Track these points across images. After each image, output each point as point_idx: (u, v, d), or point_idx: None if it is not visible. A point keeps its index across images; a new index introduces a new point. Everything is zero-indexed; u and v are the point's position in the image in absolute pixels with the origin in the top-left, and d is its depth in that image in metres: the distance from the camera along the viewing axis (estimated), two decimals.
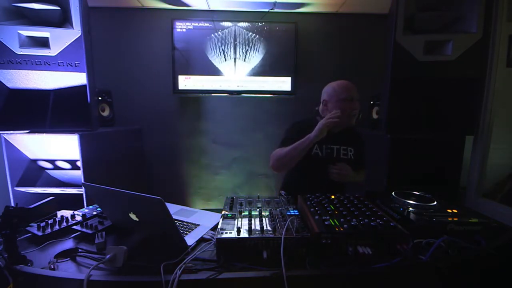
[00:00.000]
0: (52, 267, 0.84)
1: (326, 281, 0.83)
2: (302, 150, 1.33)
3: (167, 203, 0.85)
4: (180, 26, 2.50)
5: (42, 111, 1.55)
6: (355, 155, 1.49)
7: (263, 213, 1.07)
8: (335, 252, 0.88)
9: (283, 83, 2.63)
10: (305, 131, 1.37)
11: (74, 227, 1.11)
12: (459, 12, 1.53)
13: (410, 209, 1.17)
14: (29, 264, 0.86)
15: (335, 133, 1.45)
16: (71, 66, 1.55)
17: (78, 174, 1.62)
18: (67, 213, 1.23)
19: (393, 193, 1.30)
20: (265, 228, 0.93)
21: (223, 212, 1.09)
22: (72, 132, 1.56)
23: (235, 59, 2.57)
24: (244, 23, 2.54)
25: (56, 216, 1.18)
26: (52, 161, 1.75)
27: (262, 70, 2.60)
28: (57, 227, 1.09)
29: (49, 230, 1.06)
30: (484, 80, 1.56)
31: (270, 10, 2.57)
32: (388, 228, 0.93)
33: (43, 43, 1.52)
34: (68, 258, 0.90)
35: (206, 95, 2.67)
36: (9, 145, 1.63)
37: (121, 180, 1.96)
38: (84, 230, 1.08)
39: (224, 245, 0.87)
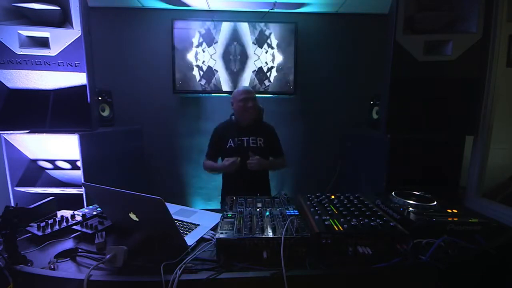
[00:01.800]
0: (52, 267, 0.84)
1: (326, 281, 0.83)
2: (219, 171, 1.84)
3: (167, 203, 0.85)
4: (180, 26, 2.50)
5: (42, 111, 1.55)
6: (265, 143, 1.79)
7: (263, 213, 1.07)
8: (335, 252, 0.88)
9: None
10: (225, 132, 1.79)
11: (74, 227, 1.11)
12: (459, 12, 1.53)
13: (410, 209, 1.17)
14: (29, 264, 0.86)
15: (243, 127, 1.77)
16: (71, 66, 1.55)
17: (78, 174, 1.62)
18: (67, 213, 1.23)
19: (393, 193, 1.30)
20: (265, 228, 0.93)
21: (223, 212, 1.09)
22: (72, 132, 1.55)
23: (235, 59, 2.58)
24: (244, 23, 2.54)
25: (56, 216, 1.18)
26: (52, 161, 1.75)
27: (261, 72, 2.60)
28: (57, 227, 1.09)
29: (49, 230, 1.06)
30: (484, 80, 1.56)
31: (270, 10, 2.57)
32: (388, 228, 0.93)
33: (43, 43, 1.52)
34: (68, 258, 0.90)
35: (206, 95, 2.67)
36: (9, 145, 1.63)
37: (121, 180, 1.96)
38: (84, 230, 1.08)
39: (224, 245, 0.87)
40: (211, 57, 2.57)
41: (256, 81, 2.61)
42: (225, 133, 1.79)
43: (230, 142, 1.75)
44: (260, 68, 2.60)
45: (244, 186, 1.68)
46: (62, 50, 1.53)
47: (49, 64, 1.53)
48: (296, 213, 1.07)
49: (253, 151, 1.71)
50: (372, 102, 2.17)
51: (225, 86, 2.61)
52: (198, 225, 1.17)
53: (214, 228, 1.14)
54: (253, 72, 2.60)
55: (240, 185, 1.72)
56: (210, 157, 1.84)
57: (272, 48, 2.58)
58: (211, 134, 1.89)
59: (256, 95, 2.67)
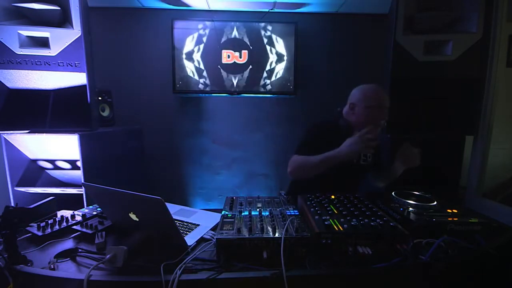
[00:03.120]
0: (52, 267, 0.84)
1: (326, 281, 0.83)
2: (330, 165, 1.23)
3: (167, 203, 0.85)
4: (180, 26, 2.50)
5: (42, 111, 1.55)
6: (372, 159, 1.47)
7: (263, 213, 1.07)
8: (335, 252, 0.88)
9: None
10: (325, 135, 1.34)
11: (74, 227, 1.11)
12: (459, 12, 1.53)
13: (410, 209, 1.17)
14: (29, 264, 0.86)
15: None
16: (71, 66, 1.55)
17: (78, 174, 1.62)
18: (67, 213, 1.23)
19: (393, 193, 1.30)
20: (265, 228, 0.93)
21: (223, 212, 1.09)
22: (72, 132, 1.55)
23: (235, 59, 2.58)
24: (244, 23, 2.54)
25: (56, 216, 1.18)
26: (52, 161, 1.75)
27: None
28: (57, 227, 1.09)
29: (49, 230, 1.06)
30: (484, 80, 1.56)
31: (270, 10, 2.57)
32: (388, 228, 0.93)
33: (43, 43, 1.52)
34: (68, 258, 0.90)
35: (206, 95, 2.67)
36: (9, 145, 1.63)
37: (121, 180, 1.96)
38: (84, 230, 1.08)
39: (224, 245, 0.87)
40: (211, 57, 2.57)
41: (256, 81, 2.61)
42: (330, 136, 1.32)
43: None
44: (260, 68, 2.60)
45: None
46: (62, 50, 1.53)
47: (49, 64, 1.53)
48: (296, 213, 1.07)
49: (361, 170, 1.40)
50: None
51: (225, 86, 2.61)
52: (198, 225, 1.17)
53: (214, 228, 1.13)
54: (253, 72, 2.60)
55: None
56: (303, 152, 1.35)
57: (272, 48, 2.58)
58: (307, 130, 1.46)
59: (256, 95, 2.72)
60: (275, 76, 2.62)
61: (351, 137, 1.21)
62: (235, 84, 2.60)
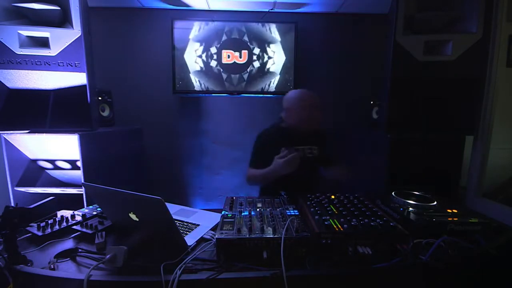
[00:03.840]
0: (52, 267, 0.84)
1: (326, 281, 0.83)
2: (271, 179, 1.44)
3: (167, 203, 0.85)
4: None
5: (42, 111, 1.55)
6: (318, 151, 1.58)
7: (263, 213, 1.07)
8: (335, 252, 0.88)
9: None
10: (271, 140, 1.54)
11: (74, 227, 1.11)
12: (459, 12, 1.53)
13: (410, 209, 1.17)
14: (29, 264, 0.86)
15: (298, 136, 1.54)
16: (71, 66, 1.55)
17: (78, 174, 1.62)
18: (67, 213, 1.23)
19: (393, 193, 1.30)
20: (265, 228, 0.93)
21: (223, 212, 1.09)
22: (72, 132, 1.55)
23: (235, 59, 2.58)
24: (244, 23, 2.54)
25: (56, 216, 1.18)
26: (52, 161, 1.75)
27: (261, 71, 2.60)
28: (57, 227, 1.09)
29: (49, 230, 1.06)
30: (484, 80, 1.56)
31: (270, 10, 2.57)
32: (388, 228, 0.93)
33: (43, 43, 1.52)
34: (68, 258, 0.90)
35: (206, 95, 2.67)
36: (9, 145, 1.63)
37: (121, 180, 1.96)
38: (84, 230, 1.08)
39: (224, 245, 0.87)
40: (211, 57, 2.57)
41: (256, 81, 2.61)
42: (274, 142, 1.50)
43: (283, 152, 1.42)
44: (260, 68, 2.60)
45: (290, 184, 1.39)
46: (62, 50, 1.53)
47: (49, 64, 1.53)
48: (296, 213, 1.07)
49: (309, 163, 1.51)
50: (372, 102, 2.17)
51: (225, 86, 2.61)
52: (198, 225, 1.17)
53: (214, 228, 1.14)
54: (253, 72, 2.60)
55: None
56: (254, 165, 1.57)
57: (272, 48, 2.58)
58: (255, 141, 1.64)
59: (256, 95, 2.72)
60: (275, 76, 2.62)
61: (277, 157, 1.39)
62: (235, 84, 2.60)
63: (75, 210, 1.28)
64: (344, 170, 1.63)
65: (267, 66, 2.60)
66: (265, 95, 2.66)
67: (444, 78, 1.55)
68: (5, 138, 1.60)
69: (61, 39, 1.52)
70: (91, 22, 1.64)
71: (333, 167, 1.65)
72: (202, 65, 2.57)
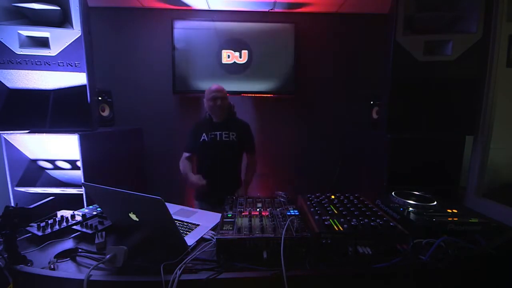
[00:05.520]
0: (52, 267, 0.84)
1: (326, 281, 0.83)
2: (185, 177, 1.83)
3: (167, 203, 0.85)
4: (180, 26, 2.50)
5: (42, 111, 1.55)
6: (237, 138, 1.87)
7: (263, 213, 1.07)
8: (335, 252, 0.88)
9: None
10: (201, 127, 1.88)
11: (74, 227, 1.11)
12: (459, 12, 1.53)
13: (410, 209, 1.17)
14: (29, 264, 0.86)
15: (217, 123, 1.87)
16: (71, 66, 1.55)
17: (78, 174, 1.62)
18: (67, 213, 1.23)
19: (393, 193, 1.30)
20: (265, 228, 0.93)
21: (223, 212, 1.09)
22: (72, 132, 1.55)
23: (235, 59, 2.58)
24: (244, 23, 2.54)
25: (56, 216, 1.18)
26: (52, 161, 1.75)
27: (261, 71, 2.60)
28: (57, 227, 1.09)
29: (49, 230, 1.06)
30: (484, 80, 1.56)
31: (270, 10, 2.57)
32: (388, 228, 0.93)
33: (43, 43, 1.52)
34: (68, 258, 0.90)
35: None
36: (9, 145, 1.63)
37: (121, 180, 1.96)
38: (84, 230, 1.08)
39: (224, 245, 0.87)
40: (211, 57, 2.56)
41: (256, 81, 2.61)
42: (200, 128, 1.88)
43: (203, 136, 1.84)
44: (260, 68, 2.60)
45: (216, 182, 1.76)
46: (62, 50, 1.53)
47: (49, 64, 1.53)
48: (296, 213, 1.07)
49: (225, 145, 1.83)
50: (372, 102, 2.17)
51: (225, 86, 2.59)
52: (198, 225, 1.17)
53: (214, 228, 1.14)
54: (253, 72, 2.60)
55: (214, 182, 1.75)
56: (187, 149, 1.93)
57: (272, 48, 2.58)
58: (190, 129, 1.98)
59: (256, 95, 2.72)
60: (275, 76, 2.62)
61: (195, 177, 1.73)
62: (235, 84, 2.60)
63: (75, 210, 1.28)
64: (255, 161, 2.00)
65: (267, 66, 2.60)
66: (265, 95, 2.66)
67: (444, 78, 1.55)
68: (5, 138, 1.60)
69: (61, 39, 1.52)
70: (91, 22, 1.64)
71: (251, 155, 2.00)
72: (202, 65, 2.56)
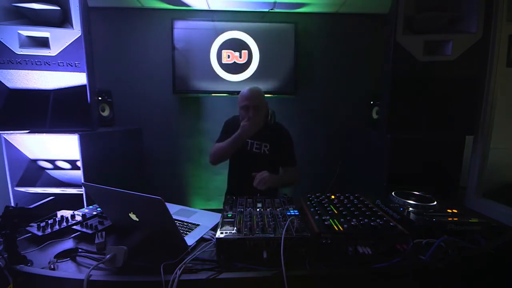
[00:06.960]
0: (52, 267, 0.84)
1: (326, 281, 0.83)
2: (232, 144, 1.52)
3: (167, 203, 0.85)
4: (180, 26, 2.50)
5: (42, 111, 1.55)
6: (271, 150, 1.63)
7: (263, 213, 1.07)
8: (335, 252, 0.88)
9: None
10: (232, 128, 1.57)
11: (74, 227, 1.11)
12: (459, 12, 1.53)
13: (410, 209, 1.17)
14: (29, 264, 0.86)
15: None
16: (71, 66, 1.55)
17: (78, 174, 1.62)
18: (67, 213, 1.23)
19: (393, 193, 1.30)
20: (265, 228, 0.93)
21: (223, 212, 1.09)
22: (72, 132, 1.55)
23: (235, 59, 2.58)
24: (244, 23, 2.54)
25: (56, 216, 1.18)
26: (52, 161, 1.75)
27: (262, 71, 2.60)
28: (57, 227, 1.09)
29: (49, 230, 1.06)
30: (484, 80, 1.56)
31: (270, 10, 2.57)
32: (388, 228, 0.93)
33: (43, 43, 1.52)
34: (68, 258, 0.90)
35: (206, 95, 2.67)
36: (9, 145, 1.63)
37: (121, 180, 1.97)
38: (84, 230, 1.08)
39: (224, 245, 0.87)
40: (211, 57, 2.56)
41: (256, 81, 2.61)
42: (232, 129, 1.57)
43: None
44: (260, 68, 2.60)
45: (250, 190, 1.41)
46: (62, 50, 1.53)
47: (49, 64, 1.53)
48: (296, 213, 1.07)
49: (255, 158, 1.58)
50: (372, 102, 2.17)
51: (225, 86, 2.61)
52: (198, 225, 1.17)
53: (214, 228, 1.14)
54: (252, 71, 2.60)
55: (246, 189, 1.43)
56: (218, 141, 1.68)
57: (272, 48, 2.58)
58: (222, 127, 1.79)
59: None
60: (275, 76, 2.62)
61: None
62: (235, 84, 2.60)
63: (75, 210, 1.28)
64: (294, 174, 1.68)
65: (267, 66, 2.60)
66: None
67: (444, 78, 1.55)
68: (5, 138, 1.60)
69: (61, 39, 1.52)
70: (91, 22, 1.64)
71: (286, 170, 1.66)
72: (202, 65, 2.56)
